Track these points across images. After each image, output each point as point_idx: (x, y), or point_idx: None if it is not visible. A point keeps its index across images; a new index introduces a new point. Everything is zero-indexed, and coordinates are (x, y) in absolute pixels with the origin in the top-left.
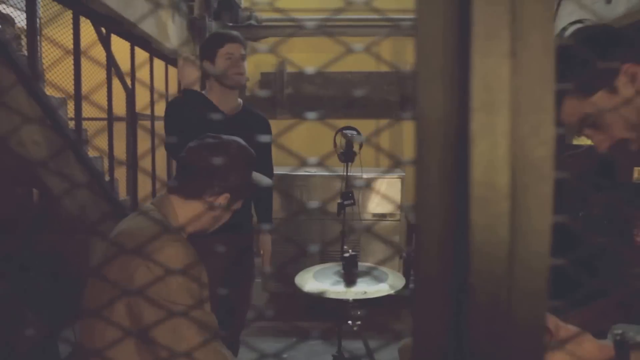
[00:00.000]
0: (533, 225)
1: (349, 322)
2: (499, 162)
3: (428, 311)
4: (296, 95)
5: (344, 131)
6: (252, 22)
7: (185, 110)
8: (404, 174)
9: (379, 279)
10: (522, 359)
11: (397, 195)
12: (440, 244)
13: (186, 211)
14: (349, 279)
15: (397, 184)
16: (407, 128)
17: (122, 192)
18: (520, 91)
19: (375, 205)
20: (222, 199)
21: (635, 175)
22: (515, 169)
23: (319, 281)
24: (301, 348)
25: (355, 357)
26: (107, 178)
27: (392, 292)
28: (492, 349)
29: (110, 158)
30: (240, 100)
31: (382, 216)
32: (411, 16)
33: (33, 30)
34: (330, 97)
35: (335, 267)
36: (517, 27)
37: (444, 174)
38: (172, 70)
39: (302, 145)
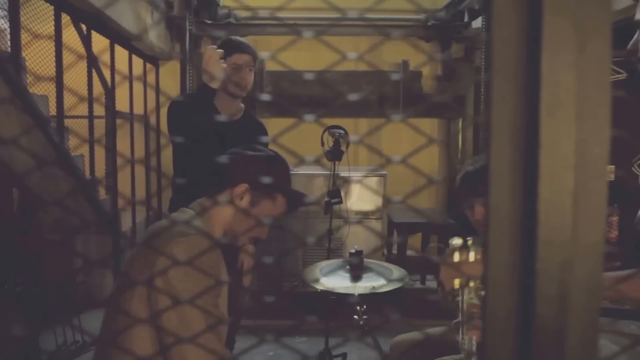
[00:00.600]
0: (591, 218)
1: (355, 317)
2: (565, 161)
3: (498, 296)
4: (276, 94)
5: (331, 130)
6: (231, 20)
7: (189, 112)
8: (386, 172)
9: (385, 275)
10: (581, 334)
11: (379, 194)
12: (510, 233)
13: (212, 209)
14: (355, 275)
15: (380, 182)
16: (387, 127)
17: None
18: (582, 97)
19: (358, 203)
20: (241, 189)
21: None
22: (577, 167)
23: (325, 277)
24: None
25: (343, 353)
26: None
27: (399, 285)
28: (556, 326)
29: (91, 157)
30: (242, 106)
31: (364, 214)
32: (392, 16)
33: (16, 27)
34: (310, 96)
35: (341, 263)
36: (580, 39)
37: (514, 171)
38: (150, 68)
39: (284, 144)
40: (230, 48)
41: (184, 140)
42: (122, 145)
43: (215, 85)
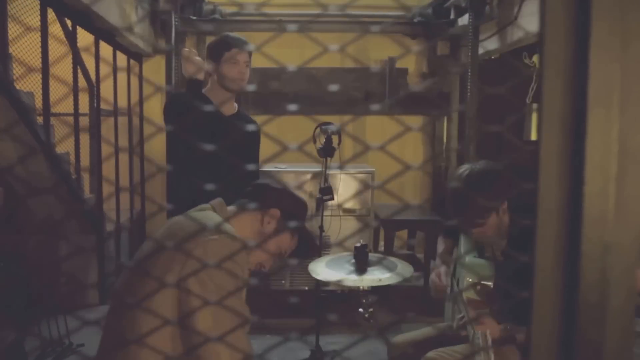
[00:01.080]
0: (632, 202)
1: (360, 310)
2: (609, 148)
3: (545, 276)
4: (261, 91)
5: (323, 127)
6: (217, 16)
7: (187, 107)
8: (374, 169)
9: (390, 268)
10: (621, 311)
11: (367, 191)
12: (557, 216)
13: (238, 220)
14: (361, 268)
15: (368, 180)
16: (370, 123)
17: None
18: (625, 90)
19: (347, 200)
20: (274, 214)
21: None
22: (620, 154)
23: (332, 270)
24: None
25: (333, 351)
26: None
27: (405, 278)
28: (598, 303)
29: (76, 155)
30: (236, 105)
31: (352, 211)
32: (378, 12)
33: (2, 23)
34: (295, 93)
35: (347, 256)
36: (624, 39)
37: (562, 157)
38: (134, 63)
39: (269, 142)
40: (227, 44)
41: (184, 136)
42: (107, 143)
43: (200, 77)
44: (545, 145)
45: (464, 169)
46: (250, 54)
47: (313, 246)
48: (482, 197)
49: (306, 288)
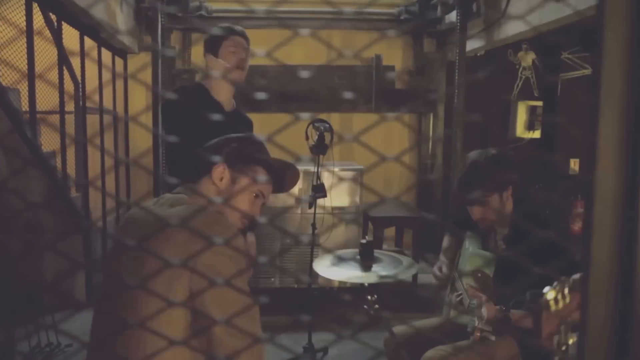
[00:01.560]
0: None
1: (365, 306)
2: None
3: (600, 266)
4: (248, 88)
5: (316, 124)
6: (203, 12)
7: (186, 104)
8: (362, 167)
9: (395, 265)
10: None
11: (356, 188)
12: (613, 206)
13: (199, 194)
14: (366, 264)
15: (356, 177)
16: (358, 120)
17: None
18: None
19: (336, 198)
20: (219, 170)
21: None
22: None
23: (337, 267)
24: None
25: (324, 348)
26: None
27: (411, 274)
28: None
29: (62, 153)
30: (233, 101)
31: (342, 209)
32: (365, 9)
33: None
34: (283, 90)
35: (352, 253)
36: None
37: (619, 147)
38: (119, 60)
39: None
40: (226, 33)
41: (182, 135)
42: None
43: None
44: (603, 133)
45: (475, 152)
46: (248, 43)
47: (291, 173)
48: (488, 172)
49: (295, 286)
